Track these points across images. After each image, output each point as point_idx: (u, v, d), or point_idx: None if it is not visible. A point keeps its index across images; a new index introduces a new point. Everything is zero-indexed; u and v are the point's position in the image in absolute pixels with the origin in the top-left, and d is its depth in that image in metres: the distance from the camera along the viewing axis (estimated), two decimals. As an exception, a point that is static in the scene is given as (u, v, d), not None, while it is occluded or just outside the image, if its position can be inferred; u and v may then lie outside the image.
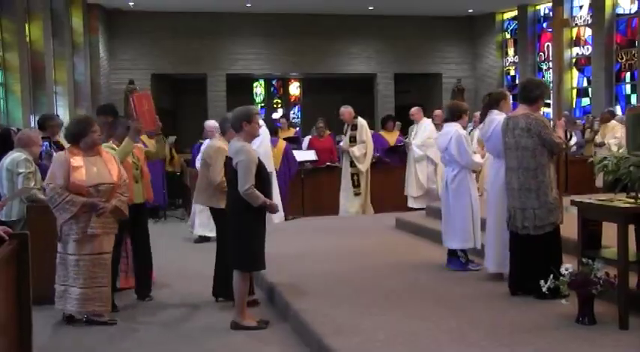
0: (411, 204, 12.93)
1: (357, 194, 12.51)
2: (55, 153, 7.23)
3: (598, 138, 14.28)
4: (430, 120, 13.35)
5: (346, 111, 12.54)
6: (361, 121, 12.58)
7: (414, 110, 13.46)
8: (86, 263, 6.31)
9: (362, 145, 12.37)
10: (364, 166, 12.41)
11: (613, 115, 14.76)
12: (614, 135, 13.53)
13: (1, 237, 4.96)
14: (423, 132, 13.00)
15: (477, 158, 7.70)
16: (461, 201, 7.67)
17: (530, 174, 6.23)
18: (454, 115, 7.92)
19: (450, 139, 7.64)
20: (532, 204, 6.21)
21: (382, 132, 14.40)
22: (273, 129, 13.18)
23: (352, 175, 12.50)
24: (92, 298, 6.30)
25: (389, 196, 13.12)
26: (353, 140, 12.37)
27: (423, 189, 12.88)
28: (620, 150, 12.98)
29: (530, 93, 6.46)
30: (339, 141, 13.75)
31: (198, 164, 11.04)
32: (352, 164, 12.49)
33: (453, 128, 7.73)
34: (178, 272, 8.65)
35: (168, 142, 14.35)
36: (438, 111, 14.90)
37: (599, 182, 13.20)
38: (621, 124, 14.07)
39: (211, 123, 10.90)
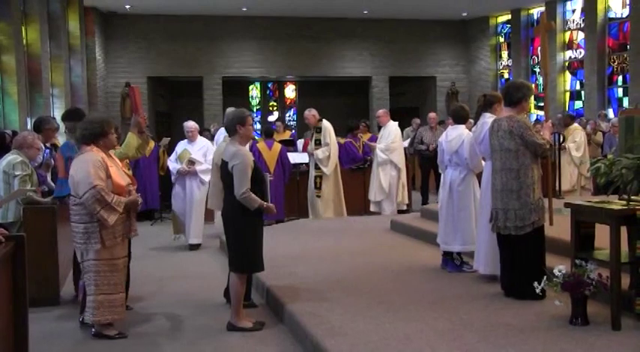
0: (372, 208, 12.85)
1: (317, 196, 12.18)
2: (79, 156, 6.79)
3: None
4: (396, 123, 13.11)
5: (310, 114, 12.24)
6: (325, 124, 12.21)
7: (380, 112, 13.27)
8: (125, 264, 6.28)
9: (326, 148, 12.00)
10: (328, 169, 12.01)
11: (573, 119, 14.84)
12: (573, 139, 13.56)
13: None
14: (388, 136, 12.77)
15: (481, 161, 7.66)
16: (466, 204, 7.66)
17: (512, 175, 6.26)
18: (461, 118, 7.92)
19: (462, 142, 7.62)
20: (513, 205, 6.23)
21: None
22: (269, 131, 13.15)
23: (315, 178, 12.19)
24: (123, 303, 6.26)
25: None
26: (318, 143, 12.10)
27: (385, 194, 12.69)
28: (579, 154, 13.20)
29: (513, 96, 6.50)
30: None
31: (171, 165, 10.61)
32: (317, 167, 12.17)
33: (463, 131, 7.72)
34: (175, 274, 8.66)
35: (162, 145, 14.30)
36: (432, 114, 14.89)
37: (565, 185, 13.16)
38: (581, 128, 14.17)
39: (190, 124, 10.73)
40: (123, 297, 6.19)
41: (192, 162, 10.21)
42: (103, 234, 5.95)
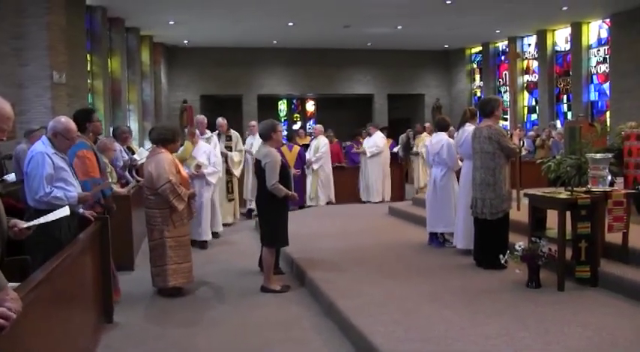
0: (309, 202, 12.28)
1: (230, 200, 10.41)
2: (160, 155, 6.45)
3: (415, 148, 14.11)
4: (326, 139, 12.49)
5: (223, 123, 10.44)
6: (235, 133, 10.63)
7: (316, 126, 12.94)
8: (189, 241, 6.32)
9: (240, 153, 10.43)
10: (238, 172, 10.44)
11: (424, 129, 14.54)
12: (424, 145, 13.29)
13: (89, 219, 5.03)
14: (322, 147, 12.28)
15: (458, 160, 7.64)
16: (446, 195, 7.62)
17: (489, 172, 6.24)
18: (443, 127, 7.91)
19: (442, 146, 7.61)
20: (489, 196, 6.21)
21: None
22: (290, 136, 12.80)
23: (227, 182, 10.28)
24: (191, 270, 6.29)
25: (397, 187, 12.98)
26: (229, 149, 10.33)
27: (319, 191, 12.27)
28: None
29: (485, 109, 6.48)
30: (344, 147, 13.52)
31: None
32: (227, 172, 10.23)
33: (443, 137, 7.70)
34: (219, 250, 8.66)
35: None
36: (428, 124, 14.84)
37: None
38: (430, 136, 13.78)
39: (220, 120, 9.91)
40: (191, 266, 6.22)
41: (199, 166, 8.51)
42: (174, 217, 6.01)
